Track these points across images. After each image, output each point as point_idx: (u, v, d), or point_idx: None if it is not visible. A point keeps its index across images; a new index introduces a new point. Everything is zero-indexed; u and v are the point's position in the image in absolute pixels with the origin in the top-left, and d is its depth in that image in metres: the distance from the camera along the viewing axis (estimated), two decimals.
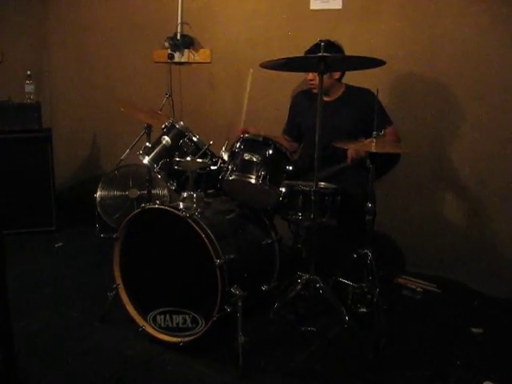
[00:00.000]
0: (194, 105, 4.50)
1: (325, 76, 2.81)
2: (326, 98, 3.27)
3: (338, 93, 3.38)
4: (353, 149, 3.03)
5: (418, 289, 3.36)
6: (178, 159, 2.84)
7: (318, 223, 2.70)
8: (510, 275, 3.37)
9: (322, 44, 2.57)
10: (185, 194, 2.79)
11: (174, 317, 2.63)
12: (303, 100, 3.49)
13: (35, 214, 4.32)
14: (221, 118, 4.37)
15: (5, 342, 1.96)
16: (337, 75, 3.31)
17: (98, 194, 4.26)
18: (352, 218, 3.01)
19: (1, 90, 4.51)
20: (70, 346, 2.67)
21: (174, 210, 2.58)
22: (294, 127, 3.57)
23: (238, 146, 2.83)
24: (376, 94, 2.77)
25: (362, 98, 3.27)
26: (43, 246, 4.10)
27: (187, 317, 2.60)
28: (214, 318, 2.48)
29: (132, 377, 2.43)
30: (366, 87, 3.30)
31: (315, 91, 3.23)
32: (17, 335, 1.99)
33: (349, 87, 3.39)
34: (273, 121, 3.51)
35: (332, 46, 3.08)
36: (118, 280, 2.80)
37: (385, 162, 2.97)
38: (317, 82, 3.04)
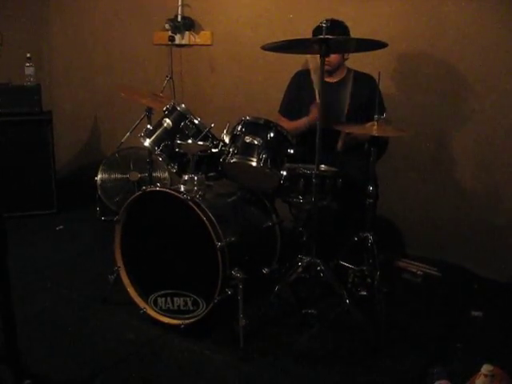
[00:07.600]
0: (194, 87, 4.48)
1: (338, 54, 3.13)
2: (329, 79, 3.25)
3: (342, 75, 3.34)
4: (342, 140, 3.12)
5: (419, 272, 3.37)
6: (179, 142, 2.81)
7: (318, 206, 2.70)
8: (510, 259, 3.38)
9: (324, 26, 2.54)
10: (186, 177, 2.78)
11: (175, 299, 2.64)
12: (305, 80, 3.36)
13: (36, 197, 4.32)
14: (222, 100, 4.35)
15: (6, 324, 1.97)
16: (347, 55, 3.28)
17: (99, 176, 4.26)
18: (353, 201, 3.01)
19: (1, 73, 4.48)
20: (71, 329, 2.68)
21: (175, 193, 2.57)
22: (293, 107, 3.42)
23: (239, 128, 2.81)
24: (378, 77, 2.75)
25: (366, 82, 3.25)
26: (44, 229, 4.10)
27: (188, 299, 2.61)
28: (215, 301, 2.49)
29: (133, 359, 2.45)
30: (368, 72, 3.28)
31: (328, 68, 3.17)
32: (18, 318, 2.01)
33: (351, 70, 3.35)
34: (274, 102, 3.48)
35: (337, 26, 3.04)
36: (119, 263, 2.81)
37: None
38: (333, 60, 3.15)
